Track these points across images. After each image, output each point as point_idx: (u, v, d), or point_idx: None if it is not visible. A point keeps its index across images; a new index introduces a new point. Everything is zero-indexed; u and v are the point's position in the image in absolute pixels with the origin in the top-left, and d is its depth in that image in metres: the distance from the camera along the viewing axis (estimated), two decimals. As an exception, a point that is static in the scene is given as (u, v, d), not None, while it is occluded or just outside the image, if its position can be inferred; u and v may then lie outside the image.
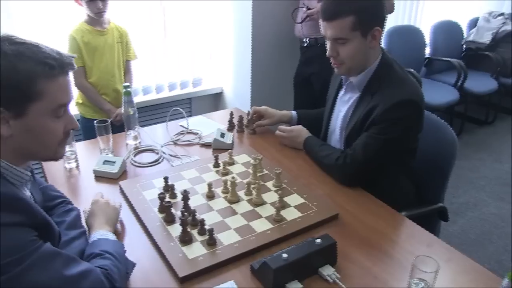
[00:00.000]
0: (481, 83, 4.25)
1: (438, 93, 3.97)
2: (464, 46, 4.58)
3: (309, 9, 2.69)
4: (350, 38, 1.56)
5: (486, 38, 4.43)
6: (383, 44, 3.88)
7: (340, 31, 1.56)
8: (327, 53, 1.64)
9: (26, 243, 0.93)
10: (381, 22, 1.60)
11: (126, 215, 1.46)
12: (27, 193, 1.10)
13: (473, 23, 4.62)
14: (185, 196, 1.40)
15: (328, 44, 1.62)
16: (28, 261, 0.91)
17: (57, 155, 1.09)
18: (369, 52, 1.62)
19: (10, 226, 0.91)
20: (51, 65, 0.98)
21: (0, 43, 0.95)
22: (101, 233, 1.22)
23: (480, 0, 4.80)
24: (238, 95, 3.41)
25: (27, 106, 0.98)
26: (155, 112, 3.25)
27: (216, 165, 1.71)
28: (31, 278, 0.91)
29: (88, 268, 1.02)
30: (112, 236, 1.23)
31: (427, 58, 4.34)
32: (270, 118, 2.04)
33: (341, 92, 1.81)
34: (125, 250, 1.21)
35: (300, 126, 1.93)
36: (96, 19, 2.48)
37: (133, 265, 1.20)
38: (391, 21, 4.09)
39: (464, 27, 4.62)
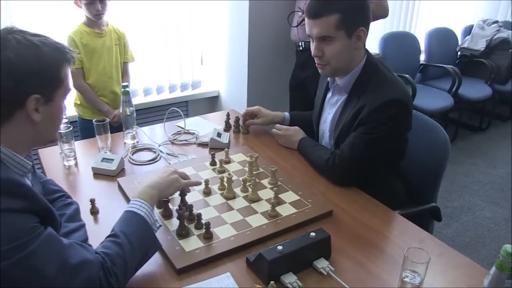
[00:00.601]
0: (476, 90, 4.29)
1: (432, 99, 4.00)
2: (459, 53, 4.64)
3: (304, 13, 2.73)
4: (335, 36, 1.58)
5: (480, 45, 4.49)
6: (378, 50, 3.95)
7: (325, 29, 1.58)
8: (312, 53, 1.66)
9: (29, 229, 0.94)
10: (366, 23, 1.62)
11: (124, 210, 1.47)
12: (28, 183, 1.12)
13: (468, 31, 4.68)
14: (182, 192, 1.42)
15: (313, 44, 1.65)
16: (30, 247, 0.92)
17: (55, 137, 1.17)
18: (354, 52, 1.64)
19: (13, 211, 0.92)
20: (67, 54, 1.07)
21: (24, 35, 1.01)
22: (135, 203, 1.21)
23: (475, 7, 4.87)
24: (235, 98, 3.44)
25: (55, 92, 1.05)
26: (151, 114, 3.28)
27: (213, 163, 1.74)
28: (32, 264, 0.93)
29: (87, 259, 1.02)
30: (143, 208, 1.20)
31: (422, 64, 4.39)
32: (263, 118, 2.07)
33: (328, 95, 1.84)
34: (155, 228, 1.21)
35: (297, 127, 1.96)
36: (94, 21, 2.51)
37: (157, 247, 1.20)
38: (386, 27, 4.14)
39: (459, 34, 4.68)
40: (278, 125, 1.99)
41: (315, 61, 1.69)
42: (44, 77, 1.01)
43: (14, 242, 0.91)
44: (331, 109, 1.80)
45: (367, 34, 1.64)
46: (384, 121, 1.58)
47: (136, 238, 1.14)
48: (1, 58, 0.96)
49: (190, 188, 1.48)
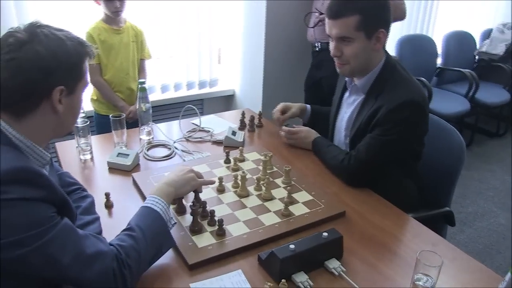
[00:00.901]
0: (493, 95, 4.24)
1: (448, 103, 3.97)
2: (477, 57, 4.58)
3: (321, 13, 2.72)
4: (354, 37, 1.59)
5: (499, 49, 4.43)
6: (394, 52, 3.93)
7: (345, 29, 1.58)
8: (331, 52, 1.66)
9: (47, 218, 0.96)
10: (386, 25, 1.62)
11: (138, 205, 1.48)
12: (46, 174, 1.14)
13: (487, 34, 4.62)
14: (196, 190, 1.43)
15: (332, 44, 1.65)
16: (48, 236, 0.95)
17: (73, 129, 1.20)
18: (373, 54, 1.64)
19: (32, 200, 0.94)
20: (88, 48, 1.10)
21: (50, 30, 1.04)
22: (151, 199, 1.24)
23: (494, 10, 4.80)
24: (250, 97, 3.45)
25: (77, 84, 1.09)
26: (167, 111, 3.29)
27: (227, 161, 1.75)
28: (50, 252, 0.95)
29: (102, 250, 1.04)
30: (159, 205, 1.23)
31: (438, 67, 4.35)
32: (293, 109, 2.07)
33: (346, 94, 1.84)
34: (169, 225, 1.24)
35: (307, 128, 1.96)
36: (113, 18, 2.53)
37: (171, 244, 1.23)
38: (404, 30, 4.12)
39: (477, 38, 4.63)
40: (285, 128, 1.98)
41: (335, 61, 1.69)
42: (69, 69, 1.05)
43: (33, 229, 0.93)
44: (348, 108, 1.80)
45: (388, 35, 1.64)
46: (400, 122, 1.57)
47: (151, 233, 1.16)
48: (32, 52, 0.99)
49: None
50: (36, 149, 1.06)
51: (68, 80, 1.05)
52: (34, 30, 1.02)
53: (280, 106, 2.08)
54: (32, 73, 0.99)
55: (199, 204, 1.39)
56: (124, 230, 1.16)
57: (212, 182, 1.51)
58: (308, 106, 2.11)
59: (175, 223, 1.29)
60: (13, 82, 0.99)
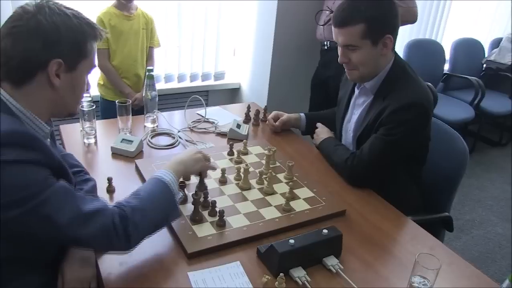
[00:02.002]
0: (498, 104, 4.23)
1: (453, 109, 3.97)
2: (484, 65, 4.57)
3: (332, 12, 2.72)
4: (360, 45, 1.59)
5: (508, 59, 4.41)
6: (402, 56, 3.91)
7: (350, 38, 1.59)
8: (339, 59, 1.67)
9: (41, 179, 0.98)
10: (392, 30, 1.61)
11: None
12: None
13: (496, 43, 4.61)
14: (201, 174, 1.45)
15: (340, 51, 1.66)
16: (42, 196, 0.96)
17: (76, 110, 1.20)
18: (381, 58, 1.64)
19: (27, 162, 0.96)
20: (96, 29, 1.11)
21: (58, 5, 1.05)
22: (162, 171, 1.26)
23: (506, 20, 4.78)
24: (255, 92, 3.45)
25: (79, 62, 1.09)
26: (172, 100, 3.30)
27: (231, 153, 1.75)
28: (45, 212, 0.96)
29: (100, 208, 1.06)
30: (168, 177, 1.24)
31: (445, 73, 4.34)
32: (283, 119, 2.04)
33: (354, 96, 1.84)
34: (177, 198, 1.25)
35: (327, 129, 1.95)
36: (124, 3, 2.53)
37: (176, 214, 1.25)
38: (413, 34, 4.11)
39: (486, 46, 4.62)
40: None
41: (344, 67, 1.70)
42: (70, 45, 1.05)
43: (28, 190, 0.94)
44: (357, 110, 1.80)
45: (395, 39, 1.63)
46: (403, 123, 1.58)
47: (158, 199, 1.19)
48: (33, 22, 1.01)
49: (208, 174, 1.50)
50: (36, 120, 1.08)
51: (68, 56, 1.05)
52: (41, 4, 1.04)
53: (272, 114, 2.07)
54: (31, 42, 1.01)
55: (201, 193, 1.40)
56: (132, 194, 1.18)
57: (215, 168, 1.53)
58: (303, 114, 2.10)
59: (182, 196, 1.31)
60: (13, 49, 1.01)
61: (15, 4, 2.48)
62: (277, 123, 2.04)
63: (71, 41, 1.05)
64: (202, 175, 1.45)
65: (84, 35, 1.08)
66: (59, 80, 1.06)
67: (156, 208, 1.17)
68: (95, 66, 1.16)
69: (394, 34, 1.62)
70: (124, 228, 1.06)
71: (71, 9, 1.08)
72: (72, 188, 1.06)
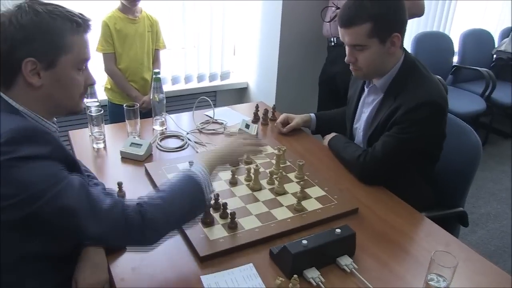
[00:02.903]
0: (510, 95, 4.16)
1: (463, 102, 3.92)
2: (495, 56, 4.50)
3: (338, 8, 2.69)
4: (368, 44, 1.57)
5: (518, 48, 4.36)
6: (410, 49, 3.88)
7: (357, 38, 1.56)
8: (346, 59, 1.65)
9: (55, 172, 0.98)
10: (400, 28, 1.58)
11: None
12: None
13: (506, 33, 4.53)
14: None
15: (347, 50, 1.64)
16: (58, 187, 0.96)
17: (78, 107, 1.17)
18: (389, 57, 1.62)
19: (40, 157, 0.96)
20: (77, 22, 1.08)
21: (32, 4, 1.04)
22: (197, 168, 1.20)
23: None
24: (263, 91, 3.43)
25: (57, 58, 1.06)
26: (179, 102, 3.29)
27: (240, 154, 1.73)
28: (61, 203, 0.96)
29: (115, 200, 1.06)
30: (200, 172, 1.19)
31: (454, 66, 4.29)
32: (296, 120, 2.03)
33: (364, 94, 1.82)
34: (209, 192, 1.20)
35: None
36: (129, 7, 2.53)
37: (200, 211, 1.22)
38: (420, 27, 4.07)
39: (496, 36, 4.55)
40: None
41: (350, 66, 1.68)
42: (40, 42, 1.03)
43: (41, 185, 0.94)
44: (366, 109, 1.78)
45: (403, 37, 1.61)
46: (418, 122, 1.55)
47: (185, 198, 1.15)
48: (3, 25, 1.01)
49: (218, 176, 1.49)
50: (40, 120, 1.08)
51: (42, 53, 1.03)
52: (18, 6, 1.03)
53: (281, 118, 2.04)
54: (1, 46, 1.01)
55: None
56: (158, 189, 1.16)
57: (261, 151, 1.46)
58: (313, 115, 2.08)
59: (213, 190, 1.24)
60: None
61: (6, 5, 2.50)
62: (284, 130, 2.01)
63: (41, 38, 1.03)
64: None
65: (59, 30, 1.05)
66: (39, 78, 1.05)
67: (183, 207, 1.14)
68: (86, 59, 1.13)
69: (402, 31, 1.59)
70: (140, 224, 1.05)
71: (49, 5, 1.06)
72: (85, 183, 1.05)
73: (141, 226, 1.06)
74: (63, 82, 1.09)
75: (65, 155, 1.04)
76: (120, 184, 1.48)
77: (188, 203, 1.16)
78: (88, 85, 1.17)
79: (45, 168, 0.96)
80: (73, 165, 1.07)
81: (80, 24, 1.08)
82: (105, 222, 1.02)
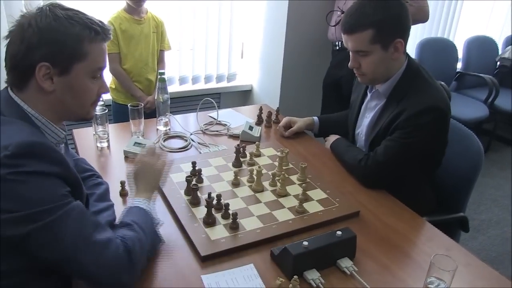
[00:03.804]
0: (513, 102, 4.17)
1: (467, 108, 3.91)
2: (498, 63, 4.49)
3: (343, 12, 2.71)
4: (370, 50, 1.57)
5: (522, 56, 4.35)
6: (414, 55, 3.89)
7: (360, 44, 1.57)
8: (349, 64, 1.66)
9: (60, 195, 0.96)
10: (403, 34, 1.59)
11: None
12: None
13: (510, 40, 4.53)
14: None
15: (350, 55, 1.65)
16: (59, 213, 0.94)
17: (89, 115, 1.16)
18: (392, 62, 1.62)
19: (46, 175, 0.94)
20: (96, 31, 1.07)
21: (53, 8, 1.04)
22: (139, 201, 1.23)
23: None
24: (267, 93, 3.44)
25: (72, 65, 1.05)
26: (183, 103, 3.31)
27: (243, 155, 1.74)
28: (59, 229, 0.94)
29: (111, 238, 1.03)
30: (146, 206, 1.21)
31: (458, 72, 4.29)
32: (298, 123, 2.03)
33: (367, 99, 1.82)
34: (159, 223, 1.22)
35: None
36: (134, 8, 2.55)
37: (160, 242, 1.22)
38: (425, 32, 4.07)
39: (500, 43, 4.55)
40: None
41: (354, 71, 1.69)
42: (57, 47, 1.02)
43: (45, 205, 0.92)
44: (369, 113, 1.79)
45: (406, 43, 1.61)
46: (421, 127, 1.56)
47: (146, 227, 1.15)
48: (19, 26, 1.02)
49: (221, 177, 1.52)
50: (50, 126, 1.08)
51: (56, 59, 1.02)
52: (39, 8, 1.04)
53: (283, 121, 2.05)
54: (16, 47, 1.01)
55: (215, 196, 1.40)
56: (121, 225, 1.13)
57: (170, 161, 1.44)
58: (315, 118, 2.09)
59: (160, 223, 1.25)
60: (6, 55, 1.03)
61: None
62: (286, 133, 2.01)
63: (57, 44, 1.02)
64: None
65: (76, 37, 1.04)
66: (52, 83, 1.04)
67: (147, 236, 1.14)
68: (101, 67, 1.12)
69: (405, 37, 1.60)
70: (130, 259, 1.04)
71: (70, 10, 1.06)
72: (86, 211, 1.04)
73: (131, 262, 1.04)
74: (75, 89, 1.08)
75: (72, 177, 1.02)
76: (123, 183, 1.49)
77: (151, 235, 1.17)
78: (102, 93, 1.16)
79: (50, 188, 0.95)
80: (78, 188, 1.05)
81: (98, 32, 1.08)
82: (98, 257, 0.98)
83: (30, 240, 0.92)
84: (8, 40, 1.03)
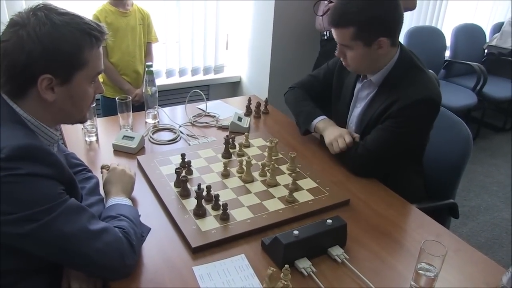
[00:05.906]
0: (501, 89, 4.19)
1: (455, 96, 3.94)
2: (486, 50, 4.53)
3: (331, 2, 2.70)
4: (352, 45, 1.58)
5: (509, 43, 4.37)
6: (403, 43, 3.88)
7: (343, 39, 1.58)
8: (336, 53, 1.67)
9: (56, 195, 0.98)
10: (387, 33, 1.55)
11: (142, 188, 1.49)
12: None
13: (497, 28, 4.56)
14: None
15: (337, 46, 1.65)
16: (57, 211, 0.96)
17: (85, 118, 1.18)
18: (377, 57, 1.61)
19: (41, 176, 0.95)
20: (95, 36, 1.05)
21: (49, 13, 1.00)
22: (117, 199, 1.25)
23: (507, 4, 4.73)
24: (256, 84, 3.43)
25: (73, 74, 1.04)
26: (172, 96, 3.29)
27: (232, 146, 1.74)
28: (58, 227, 0.96)
29: (108, 225, 1.07)
30: (128, 202, 1.26)
31: (446, 60, 4.31)
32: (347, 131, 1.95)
33: (357, 87, 1.81)
34: (140, 215, 1.24)
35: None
36: (119, 0, 2.52)
37: (148, 229, 1.23)
38: (413, 21, 4.08)
39: (487, 31, 4.58)
40: None
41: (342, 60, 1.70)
42: (58, 57, 1.00)
43: (42, 205, 0.94)
44: (359, 103, 1.78)
45: (396, 37, 1.60)
46: (414, 118, 1.57)
47: (134, 218, 1.19)
48: (18, 36, 0.98)
49: (210, 168, 1.53)
50: (44, 129, 1.07)
51: (58, 69, 1.01)
52: (34, 13, 1.00)
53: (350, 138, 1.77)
54: (15, 58, 0.98)
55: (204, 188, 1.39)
56: (108, 219, 1.15)
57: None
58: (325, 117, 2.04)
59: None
60: (1, 63, 1.00)
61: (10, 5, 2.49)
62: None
63: (59, 54, 0.99)
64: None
65: (76, 46, 1.02)
66: (53, 94, 1.03)
67: (137, 225, 1.18)
68: (98, 71, 1.11)
69: (392, 35, 1.58)
70: (129, 241, 1.09)
71: (67, 15, 1.02)
72: (82, 205, 1.05)
73: (131, 244, 1.09)
74: (75, 96, 1.08)
75: (66, 176, 1.03)
76: (112, 177, 1.48)
77: (139, 224, 1.20)
78: (96, 94, 1.16)
79: (45, 189, 0.96)
80: (72, 186, 1.07)
81: (98, 38, 1.06)
82: (99, 244, 1.02)
83: (31, 240, 0.95)
84: (4, 48, 0.99)
